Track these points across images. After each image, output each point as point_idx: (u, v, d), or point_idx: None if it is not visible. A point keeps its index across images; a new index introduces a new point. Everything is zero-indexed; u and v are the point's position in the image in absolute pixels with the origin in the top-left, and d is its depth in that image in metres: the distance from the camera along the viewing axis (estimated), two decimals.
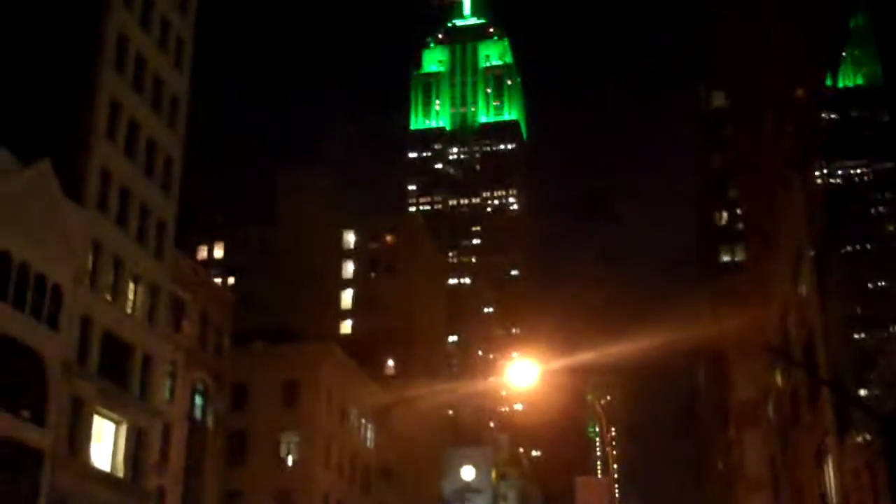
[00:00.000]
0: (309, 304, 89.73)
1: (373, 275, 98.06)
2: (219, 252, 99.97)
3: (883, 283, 24.04)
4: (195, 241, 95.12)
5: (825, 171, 29.82)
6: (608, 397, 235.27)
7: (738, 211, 76.69)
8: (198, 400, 58.80)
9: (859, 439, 26.14)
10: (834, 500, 30.72)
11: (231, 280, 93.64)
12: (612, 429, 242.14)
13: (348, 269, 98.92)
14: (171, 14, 57.22)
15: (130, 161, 51.46)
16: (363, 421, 78.35)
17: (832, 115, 26.97)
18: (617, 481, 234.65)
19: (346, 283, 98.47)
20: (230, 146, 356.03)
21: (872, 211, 24.62)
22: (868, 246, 25.27)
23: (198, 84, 62.15)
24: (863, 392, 25.69)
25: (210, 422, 59.83)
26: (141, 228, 51.90)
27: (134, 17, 52.77)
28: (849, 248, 27.22)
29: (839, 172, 28.77)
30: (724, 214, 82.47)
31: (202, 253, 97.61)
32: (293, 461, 67.97)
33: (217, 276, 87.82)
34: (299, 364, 68.94)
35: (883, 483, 22.87)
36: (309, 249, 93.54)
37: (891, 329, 23.23)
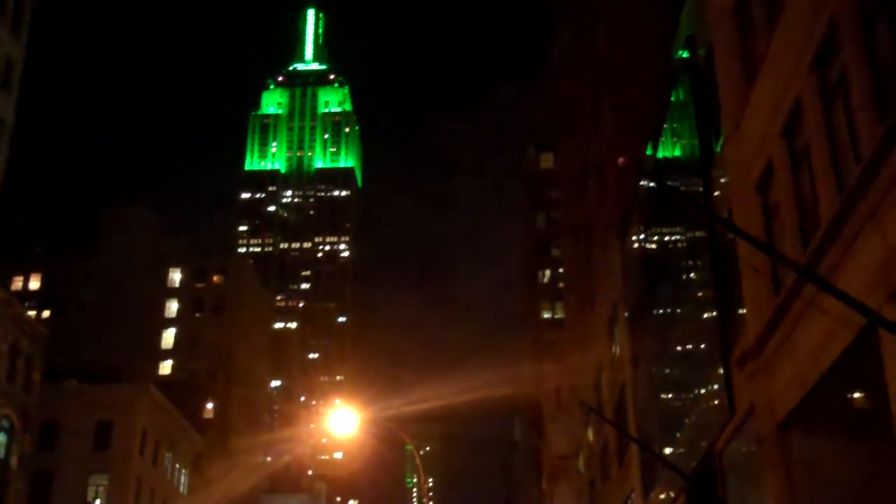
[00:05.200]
0: (128, 342, 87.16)
1: (198, 315, 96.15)
2: (35, 283, 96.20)
3: (689, 347, 25.08)
4: (9, 271, 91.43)
5: (642, 236, 31.10)
6: (427, 447, 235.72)
7: (561, 270, 78.40)
8: (1, 437, 56.13)
9: (663, 496, 27.12)
10: None
11: (46, 314, 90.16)
12: (430, 480, 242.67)
13: (172, 307, 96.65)
14: (1, 33, 55.29)
15: None
16: (178, 465, 76.36)
17: (651, 184, 28.10)
18: None
19: (170, 322, 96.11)
20: (55, 177, 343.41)
21: (683, 277, 25.75)
22: (678, 310, 26.31)
23: (25, 108, 60.25)
24: (668, 450, 26.58)
25: (14, 461, 57.12)
26: None
27: None
28: (660, 312, 28.30)
29: (655, 238, 29.98)
30: (548, 273, 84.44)
31: (17, 283, 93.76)
32: None
33: (31, 308, 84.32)
34: (114, 404, 66.81)
35: None
36: (131, 286, 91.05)
37: (694, 391, 24.27)
